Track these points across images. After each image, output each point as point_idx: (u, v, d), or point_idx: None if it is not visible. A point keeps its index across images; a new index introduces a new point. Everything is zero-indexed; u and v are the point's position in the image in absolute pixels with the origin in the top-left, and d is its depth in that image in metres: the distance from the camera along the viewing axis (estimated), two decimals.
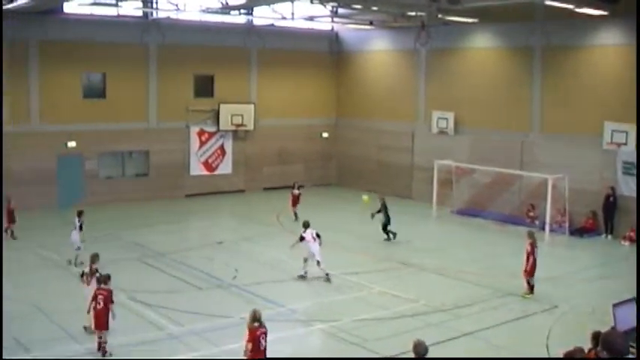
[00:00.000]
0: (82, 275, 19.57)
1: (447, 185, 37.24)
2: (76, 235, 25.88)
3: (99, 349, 17.50)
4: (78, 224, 26.02)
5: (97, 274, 18.70)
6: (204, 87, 41.66)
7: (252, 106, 42.64)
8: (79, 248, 25.63)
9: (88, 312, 17.95)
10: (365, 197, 32.66)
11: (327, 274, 24.31)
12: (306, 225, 24.76)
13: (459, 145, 38.04)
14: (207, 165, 41.95)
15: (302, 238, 24.48)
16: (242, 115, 41.93)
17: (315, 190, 41.59)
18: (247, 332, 14.58)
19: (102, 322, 17.44)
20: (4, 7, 30.24)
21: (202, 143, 41.67)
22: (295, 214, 34.24)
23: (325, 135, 46.23)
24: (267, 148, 43.57)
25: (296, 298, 22.61)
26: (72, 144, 37.44)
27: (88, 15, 37.52)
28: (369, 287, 23.82)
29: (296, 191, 35.27)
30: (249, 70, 43.19)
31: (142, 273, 25.46)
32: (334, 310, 21.55)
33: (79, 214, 26.35)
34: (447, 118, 38.96)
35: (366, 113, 44.26)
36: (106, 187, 38.69)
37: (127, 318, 19.55)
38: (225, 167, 42.65)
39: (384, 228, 30.56)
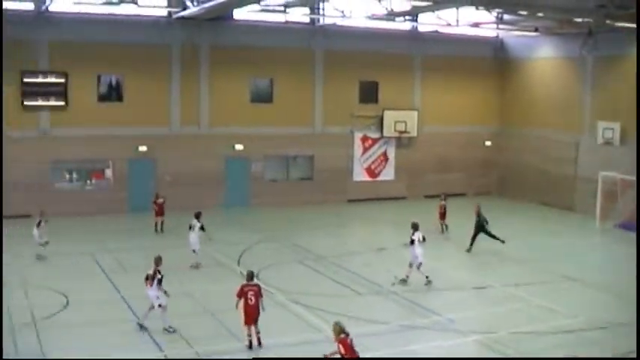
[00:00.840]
0: (147, 278, 19.45)
1: (612, 198, 35.22)
2: (194, 238, 26.14)
3: (250, 346, 17.85)
4: (198, 225, 26.26)
5: (159, 276, 19.07)
6: (369, 93, 41.66)
7: (416, 112, 42.24)
8: (194, 251, 26.11)
9: (236, 307, 18.16)
10: None
11: (427, 277, 24.10)
12: (415, 227, 24.53)
13: (625, 156, 35.78)
14: (369, 171, 41.91)
15: (412, 242, 24.29)
16: (405, 122, 41.60)
17: (474, 200, 40.51)
18: (341, 346, 14.35)
19: (253, 317, 17.84)
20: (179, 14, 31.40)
21: (366, 149, 41.68)
22: (443, 226, 33.14)
23: (488, 143, 45.02)
24: (429, 155, 42.95)
25: (454, 307, 21.96)
26: (239, 147, 38.36)
27: (256, 21, 38.36)
28: (528, 300, 22.85)
29: (443, 202, 33.88)
30: (413, 76, 42.79)
31: (302, 275, 25.63)
32: (491, 321, 20.81)
33: (197, 215, 26.62)
34: (612, 129, 36.89)
35: (530, 122, 42.67)
36: (271, 190, 39.46)
37: (286, 319, 19.68)
38: (388, 174, 42.44)
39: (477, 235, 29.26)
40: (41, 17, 34.44)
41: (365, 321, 20.21)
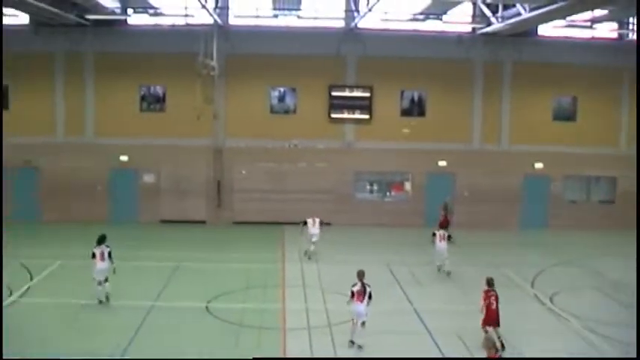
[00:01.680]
0: (352, 294, 19.02)
1: None
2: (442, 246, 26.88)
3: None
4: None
5: (369, 289, 18.90)
6: None
7: None
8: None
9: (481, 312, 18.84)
10: None
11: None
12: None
13: None
14: None
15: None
16: None
17: None
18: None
19: (496, 319, 18.62)
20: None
21: None
22: None
23: None
24: None
25: None
26: (539, 165, 37.52)
27: (561, 37, 37.14)
28: None
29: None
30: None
31: (598, 303, 24.35)
32: None
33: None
34: None
35: None
36: (569, 211, 37.95)
37: (580, 347, 18.83)
38: None
39: None
40: (351, 34, 36.20)
41: None
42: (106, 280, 22.19)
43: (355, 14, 35.44)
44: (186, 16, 35.86)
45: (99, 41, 36.48)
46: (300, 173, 37.06)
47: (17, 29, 36.47)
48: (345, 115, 36.99)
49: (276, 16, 37.46)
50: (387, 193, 38.20)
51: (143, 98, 37.37)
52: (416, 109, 37.87)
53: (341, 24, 37.02)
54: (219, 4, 35.55)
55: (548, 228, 37.10)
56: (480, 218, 36.52)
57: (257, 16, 37.12)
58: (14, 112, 36.50)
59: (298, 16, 37.44)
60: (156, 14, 36.34)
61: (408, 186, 38.16)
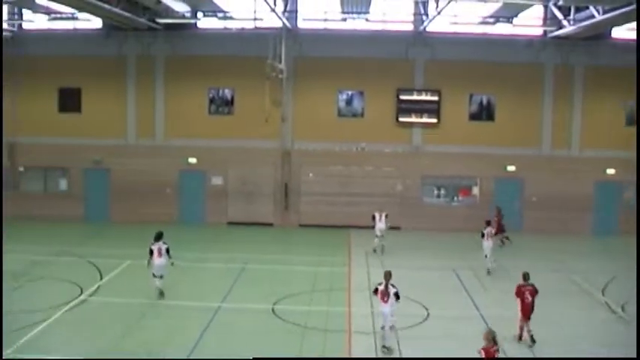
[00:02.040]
0: (376, 291, 19.23)
1: None
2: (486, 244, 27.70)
3: (520, 339, 19.37)
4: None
5: (395, 290, 18.82)
6: None
7: None
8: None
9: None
10: None
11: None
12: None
13: None
14: None
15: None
16: None
17: None
18: (483, 352, 14.74)
19: (528, 314, 19.37)
20: None
21: None
22: None
23: None
24: None
25: None
26: (611, 171, 36.71)
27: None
28: None
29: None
30: None
31: None
32: None
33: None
34: None
35: None
36: None
37: None
38: None
39: None
40: (419, 37, 36.04)
41: None
42: (161, 276, 22.74)
43: (424, 17, 35.25)
44: (255, 19, 36.04)
45: (169, 45, 37.16)
46: (367, 177, 36.98)
47: (90, 33, 37.49)
48: (413, 119, 36.78)
49: (344, 19, 37.47)
50: (455, 198, 37.81)
51: (212, 101, 37.80)
52: (485, 113, 37.41)
53: (409, 27, 36.84)
54: (288, 8, 35.69)
55: (619, 235, 36.16)
56: (548, 224, 35.89)
57: (325, 20, 37.20)
58: (86, 114, 37.55)
59: (367, 20, 37.39)
60: (225, 18, 36.68)
61: (475, 190, 37.71)
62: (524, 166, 36.82)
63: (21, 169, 38.36)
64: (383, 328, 18.88)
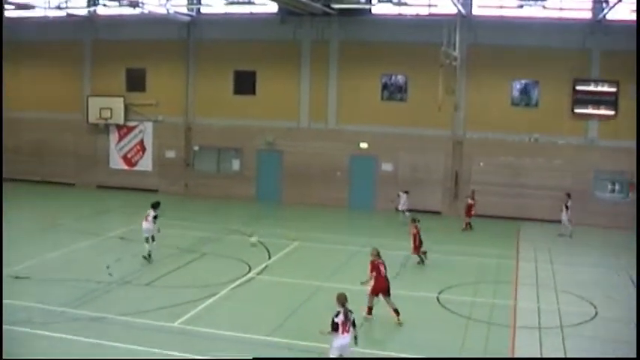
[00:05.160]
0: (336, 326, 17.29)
1: None
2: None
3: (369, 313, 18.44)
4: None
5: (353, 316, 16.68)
6: None
7: None
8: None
9: None
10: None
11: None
12: None
13: None
14: None
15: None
16: None
17: None
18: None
19: (385, 288, 19.74)
20: None
21: None
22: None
23: None
24: None
25: None
26: None
27: None
28: None
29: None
30: None
31: None
32: None
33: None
34: None
35: None
36: None
37: None
38: None
39: None
40: (598, 26, 34.84)
41: None
42: (153, 239, 25.19)
43: (604, 5, 34.02)
44: (430, 5, 36.00)
45: (343, 30, 37.52)
46: (539, 169, 36.21)
47: (266, 18, 38.20)
48: (590, 111, 35.70)
49: (520, 6, 36.73)
50: (629, 194, 36.51)
51: (385, 87, 37.95)
52: None
53: (588, 15, 35.65)
54: None
55: None
56: None
57: (501, 7, 36.59)
58: (260, 97, 38.45)
59: (544, 7, 36.49)
60: (400, 4, 36.67)
61: None
62: None
63: (195, 148, 39.73)
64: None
